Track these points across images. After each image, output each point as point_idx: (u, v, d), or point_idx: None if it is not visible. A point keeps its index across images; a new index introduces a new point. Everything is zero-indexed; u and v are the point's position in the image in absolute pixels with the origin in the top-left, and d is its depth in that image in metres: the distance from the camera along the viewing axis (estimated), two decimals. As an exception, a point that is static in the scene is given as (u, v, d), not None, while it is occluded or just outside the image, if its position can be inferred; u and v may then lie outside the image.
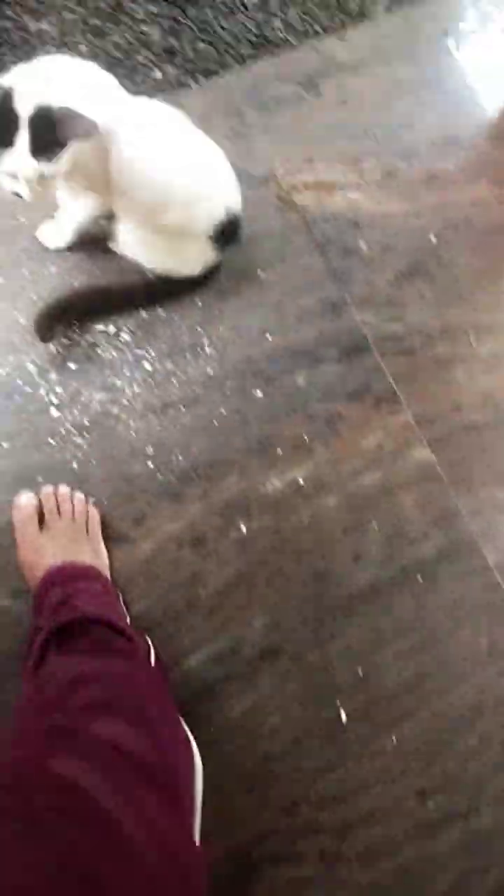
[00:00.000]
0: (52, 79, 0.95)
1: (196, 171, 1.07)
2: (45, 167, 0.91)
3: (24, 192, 0.94)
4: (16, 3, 2.06)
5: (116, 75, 1.97)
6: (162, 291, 1.28)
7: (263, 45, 2.24)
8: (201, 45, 2.12)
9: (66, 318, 1.25)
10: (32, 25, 2.07)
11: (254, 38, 2.16)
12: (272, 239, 1.35)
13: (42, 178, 0.93)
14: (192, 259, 1.22)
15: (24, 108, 0.89)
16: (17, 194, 0.95)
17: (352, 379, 1.32)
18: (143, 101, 1.06)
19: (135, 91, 2.04)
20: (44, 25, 2.09)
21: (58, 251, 1.29)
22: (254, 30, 2.14)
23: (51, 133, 0.89)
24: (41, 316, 1.19)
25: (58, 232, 1.25)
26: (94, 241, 1.27)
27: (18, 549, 1.15)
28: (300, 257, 1.35)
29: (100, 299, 1.27)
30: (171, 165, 1.05)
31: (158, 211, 1.09)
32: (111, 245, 1.28)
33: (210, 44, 2.11)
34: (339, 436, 1.30)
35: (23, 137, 0.90)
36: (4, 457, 1.20)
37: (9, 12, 2.05)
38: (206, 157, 1.09)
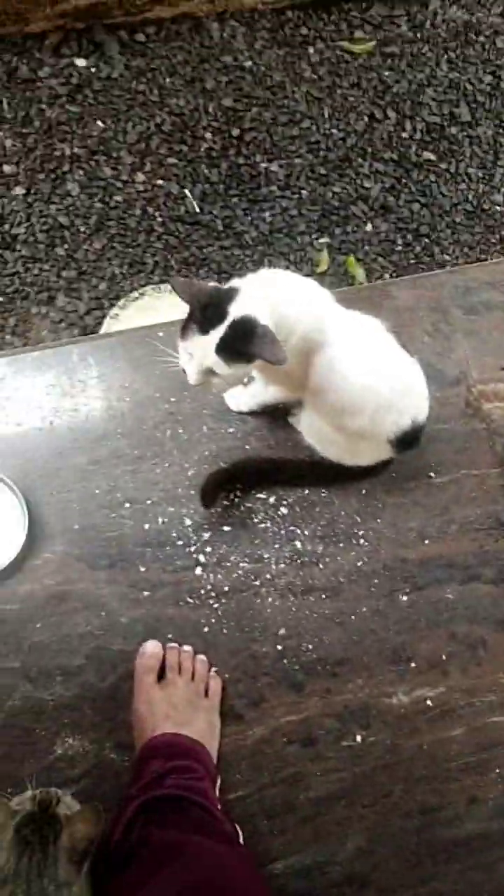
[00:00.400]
0: (276, 286, 1.25)
1: (390, 383, 1.32)
2: (220, 366, 1.17)
3: (192, 377, 1.21)
4: (253, 142, 2.49)
5: (330, 222, 2.33)
6: (329, 474, 1.51)
7: (478, 216, 2.54)
8: (416, 207, 2.46)
9: (231, 483, 1.50)
10: (263, 165, 2.49)
11: (470, 208, 2.47)
12: (452, 443, 1.56)
13: (212, 374, 1.20)
14: (367, 456, 1.46)
15: (236, 310, 1.16)
16: (185, 372, 1.22)
17: (505, 606, 1.48)
18: (351, 314, 1.33)
19: (348, 241, 2.39)
20: (273, 167, 2.51)
21: (240, 414, 1.56)
22: (472, 200, 2.46)
23: (242, 344, 1.14)
24: (208, 482, 1.45)
25: (243, 398, 1.53)
26: (275, 412, 1.53)
27: (134, 697, 1.37)
28: (477, 467, 1.55)
29: (268, 469, 1.52)
30: (368, 375, 1.30)
31: (346, 415, 1.34)
32: (291, 420, 1.54)
33: (426, 206, 2.45)
34: (479, 663, 1.46)
35: (217, 332, 1.16)
36: (142, 605, 1.45)
37: (244, 150, 2.48)
38: (403, 368, 1.34)
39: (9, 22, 2.49)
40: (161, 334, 1.61)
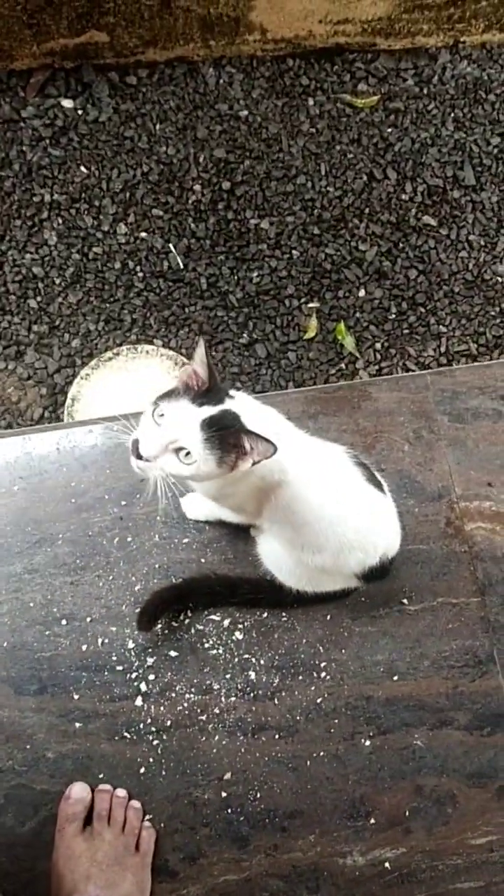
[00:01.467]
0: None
1: (356, 523, 1.17)
2: (194, 445, 1.00)
3: (151, 447, 1.02)
4: (244, 196, 2.36)
5: (321, 285, 2.19)
6: (291, 596, 1.36)
7: (478, 286, 2.41)
8: (414, 274, 2.32)
9: (181, 601, 1.35)
10: (253, 221, 2.36)
11: (470, 278, 2.34)
12: (429, 566, 1.42)
13: (173, 455, 1.04)
14: (331, 586, 1.31)
15: (234, 405, 1.04)
16: (140, 463, 1.04)
17: (478, 757, 1.33)
18: (314, 443, 1.18)
19: (339, 307, 2.25)
20: (264, 224, 2.38)
21: (196, 522, 1.41)
22: (472, 269, 2.32)
23: (231, 430, 1.00)
24: (152, 600, 1.31)
25: (202, 505, 1.38)
26: (236, 524, 1.38)
27: (54, 848, 1.22)
28: (455, 595, 1.40)
29: (223, 587, 1.37)
30: (331, 516, 1.15)
31: (308, 550, 1.19)
32: (253, 533, 1.39)
33: (423, 273, 2.31)
34: (446, 822, 1.31)
35: (210, 410, 1.01)
36: (73, 738, 1.30)
37: (234, 204, 2.34)
38: (371, 505, 1.19)
39: (-7, 58, 2.36)
40: (116, 428, 1.46)
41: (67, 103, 2.44)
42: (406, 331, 2.36)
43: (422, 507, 1.45)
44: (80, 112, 2.43)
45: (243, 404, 1.06)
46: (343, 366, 2.31)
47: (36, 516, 1.40)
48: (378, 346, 2.34)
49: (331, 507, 1.15)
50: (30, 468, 1.42)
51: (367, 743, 1.33)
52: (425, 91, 2.61)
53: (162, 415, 1.01)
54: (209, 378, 1.03)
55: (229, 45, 2.48)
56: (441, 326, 2.37)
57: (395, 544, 1.25)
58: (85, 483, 1.42)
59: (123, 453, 1.36)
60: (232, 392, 1.08)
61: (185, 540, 1.41)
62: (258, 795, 1.30)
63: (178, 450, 1.01)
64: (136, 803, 1.27)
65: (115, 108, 2.45)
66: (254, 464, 1.00)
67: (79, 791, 1.25)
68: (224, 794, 1.29)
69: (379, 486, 1.21)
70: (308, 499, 1.14)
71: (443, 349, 2.36)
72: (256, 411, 1.09)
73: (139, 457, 1.01)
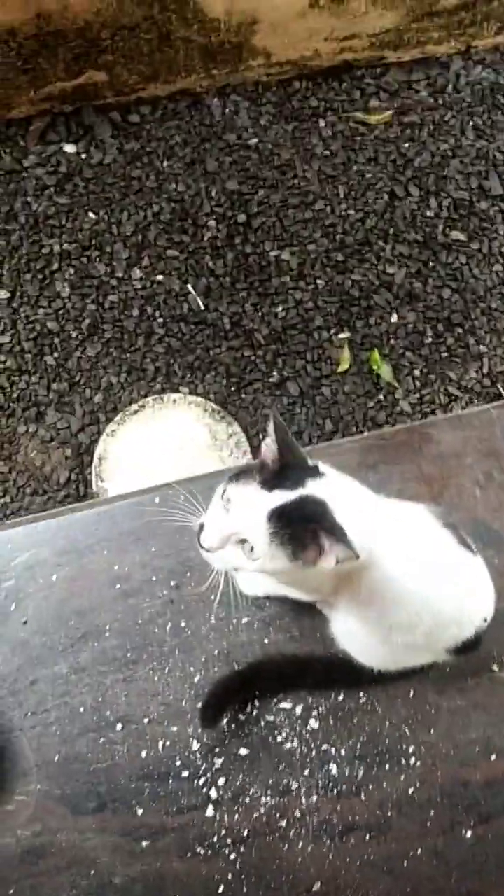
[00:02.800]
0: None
1: (450, 594, 1.03)
2: (259, 539, 0.87)
3: (212, 537, 0.91)
4: (261, 228, 2.24)
5: (350, 314, 2.06)
6: (368, 675, 1.21)
7: (519, 302, 2.27)
8: (447, 293, 2.19)
9: (247, 691, 1.21)
10: (273, 253, 2.24)
11: (509, 294, 2.20)
12: (518, 627, 1.26)
13: (237, 546, 0.91)
14: (417, 663, 1.17)
15: (315, 487, 0.88)
16: (202, 552, 0.92)
17: None
18: (398, 508, 1.04)
19: (371, 335, 2.12)
20: (284, 255, 2.26)
21: (255, 598, 1.27)
22: (511, 284, 2.18)
23: (304, 523, 0.85)
24: (214, 692, 1.17)
25: (262, 583, 1.24)
26: (301, 602, 1.25)
27: None
28: (550, 658, 1.25)
29: (291, 670, 1.23)
30: (423, 591, 1.01)
31: (398, 632, 1.04)
32: (319, 606, 1.25)
33: (457, 292, 2.17)
34: None
35: (283, 496, 0.86)
36: (140, 859, 1.16)
37: (252, 237, 2.22)
38: (464, 571, 1.05)
39: (-11, 109, 2.27)
40: (157, 500, 1.33)
41: (70, 148, 2.34)
42: (445, 354, 2.23)
43: (502, 558, 1.30)
44: (83, 156, 2.33)
45: (332, 486, 0.91)
46: (381, 397, 2.18)
47: (78, 607, 1.26)
48: (416, 372, 2.21)
49: (424, 582, 1.01)
50: (67, 554, 1.29)
51: (469, 834, 1.18)
52: (440, 101, 2.49)
53: (230, 499, 0.87)
54: (280, 455, 0.88)
55: (233, 72, 2.38)
56: (481, 346, 2.24)
57: (492, 609, 1.10)
58: (129, 565, 1.29)
59: (169, 527, 1.23)
60: (322, 468, 0.92)
61: (245, 620, 1.27)
62: (354, 908, 1.14)
63: (242, 541, 0.87)
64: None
65: (119, 149, 2.35)
66: (338, 563, 0.85)
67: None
68: (315, 911, 1.14)
69: (469, 546, 1.07)
70: (397, 576, 1.00)
71: (485, 370, 2.23)
72: (347, 492, 0.93)
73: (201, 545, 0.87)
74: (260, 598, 1.27)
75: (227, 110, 2.44)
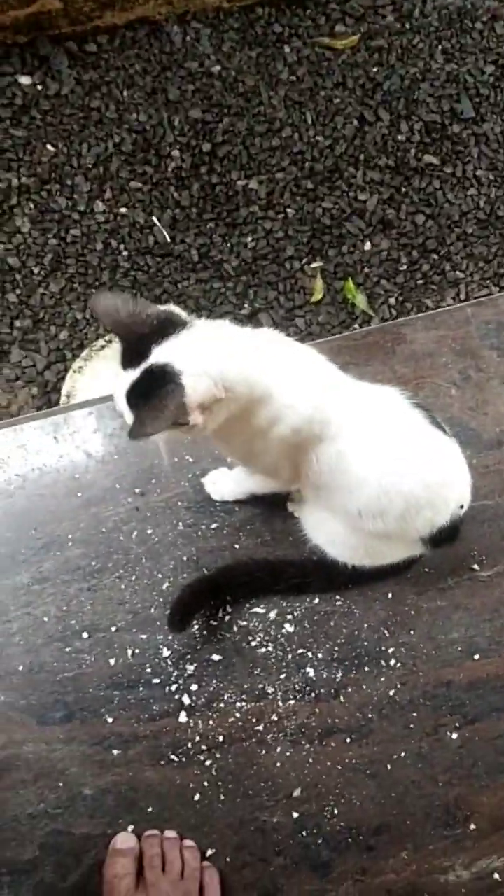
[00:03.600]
0: (255, 351, 0.90)
1: (422, 477, 0.98)
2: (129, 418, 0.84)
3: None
4: (227, 157, 2.17)
5: (322, 243, 1.99)
6: (344, 575, 1.17)
7: (492, 224, 2.22)
8: (421, 219, 2.13)
9: (218, 595, 1.16)
10: (240, 183, 2.17)
11: (483, 216, 2.14)
12: (498, 522, 1.23)
13: None
14: (392, 556, 1.12)
15: (162, 353, 0.83)
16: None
17: None
18: (362, 387, 0.99)
19: (344, 264, 2.06)
20: (252, 184, 2.19)
21: (223, 503, 1.22)
22: (484, 206, 2.13)
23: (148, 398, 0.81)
24: (182, 596, 1.12)
25: (226, 484, 1.19)
26: (270, 500, 1.19)
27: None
28: (533, 552, 1.21)
29: (264, 574, 1.18)
30: (392, 473, 0.96)
31: (365, 518, 1.00)
32: (291, 507, 1.21)
33: (431, 217, 2.11)
34: None
35: (132, 374, 0.84)
36: (112, 769, 1.11)
37: (218, 167, 2.15)
38: (437, 454, 1.00)
39: None
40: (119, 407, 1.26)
41: (25, 80, 2.25)
42: (420, 281, 2.17)
43: (480, 458, 1.25)
44: (39, 88, 2.24)
45: (184, 339, 0.84)
46: (357, 326, 2.12)
47: (39, 517, 1.21)
48: (392, 300, 2.15)
49: (392, 459, 0.96)
50: (26, 463, 1.23)
51: (454, 736, 1.15)
52: (408, 26, 2.42)
53: None
54: (122, 336, 0.85)
55: (192, -2, 2.29)
56: (458, 272, 2.18)
57: (467, 495, 1.05)
58: (91, 473, 1.23)
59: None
60: (189, 321, 0.87)
61: (214, 525, 1.22)
62: (335, 812, 1.11)
63: None
64: (190, 843, 1.08)
65: (76, 80, 2.26)
66: (203, 410, 0.80)
67: (123, 841, 1.06)
68: (296, 815, 1.10)
69: (442, 428, 1.02)
70: (362, 453, 0.94)
71: (462, 296, 2.17)
72: (201, 338, 0.86)
73: None
74: (228, 502, 1.22)
75: (187, 38, 2.36)
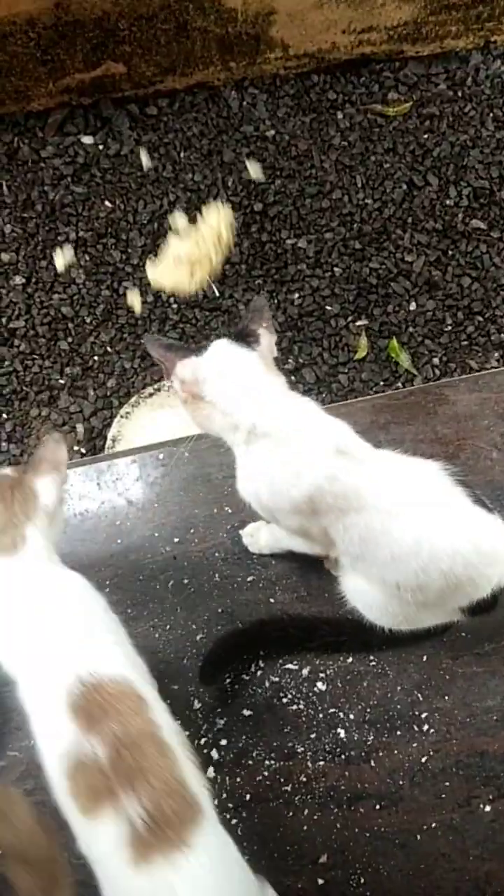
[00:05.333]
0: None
1: (462, 556, 0.97)
2: None
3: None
4: (277, 217, 2.22)
5: (368, 301, 2.02)
6: (379, 636, 1.15)
7: (537, 288, 2.22)
8: (467, 281, 2.15)
9: (251, 649, 1.15)
10: (289, 241, 2.22)
11: (528, 280, 2.15)
12: (537, 590, 1.20)
13: None
14: (431, 622, 1.11)
15: None
16: None
17: None
18: (398, 462, 0.99)
19: (389, 323, 2.08)
20: (301, 243, 2.24)
21: (260, 556, 1.22)
22: (531, 271, 2.14)
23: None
24: (215, 650, 1.11)
25: (263, 536, 1.20)
26: (305, 557, 1.19)
27: None
28: None
29: (298, 630, 1.17)
30: (431, 546, 0.95)
31: (406, 590, 0.99)
32: (328, 566, 1.20)
33: (477, 280, 2.13)
34: None
35: None
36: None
37: (268, 226, 2.21)
38: (477, 532, 0.99)
39: (9, 100, 2.29)
40: (161, 456, 1.29)
41: (87, 139, 2.35)
42: (465, 342, 2.18)
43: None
44: (100, 147, 2.34)
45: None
46: (400, 385, 2.13)
47: (79, 562, 1.22)
48: (436, 360, 2.16)
49: (430, 537, 0.95)
50: (69, 508, 1.25)
51: (488, 808, 1.11)
52: (459, 94, 2.47)
53: None
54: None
55: (250, 65, 2.38)
56: (502, 334, 2.18)
57: None
58: (131, 520, 1.25)
59: (171, 484, 1.19)
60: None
61: (250, 578, 1.22)
62: (362, 881, 1.07)
63: None
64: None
65: (136, 140, 2.36)
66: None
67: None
68: (321, 882, 1.08)
69: (485, 505, 1.01)
70: (396, 531, 0.94)
71: (507, 358, 2.17)
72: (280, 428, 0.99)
73: None
74: (265, 555, 1.22)
75: (244, 103, 2.44)
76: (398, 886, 1.08)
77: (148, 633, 1.19)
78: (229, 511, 1.25)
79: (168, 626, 1.20)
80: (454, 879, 1.08)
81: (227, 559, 1.23)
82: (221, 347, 0.99)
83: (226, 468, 1.28)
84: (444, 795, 1.12)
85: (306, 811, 1.11)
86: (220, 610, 1.21)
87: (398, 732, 1.15)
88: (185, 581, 1.22)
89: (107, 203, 2.28)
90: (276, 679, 1.17)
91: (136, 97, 2.38)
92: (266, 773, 1.13)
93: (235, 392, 0.96)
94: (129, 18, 2.14)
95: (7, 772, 1.12)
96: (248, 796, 1.12)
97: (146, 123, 2.38)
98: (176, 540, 1.24)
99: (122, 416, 2.00)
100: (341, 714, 1.16)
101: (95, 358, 2.12)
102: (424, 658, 1.19)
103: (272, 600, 1.21)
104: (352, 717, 1.16)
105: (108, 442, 1.99)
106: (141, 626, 1.19)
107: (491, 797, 1.12)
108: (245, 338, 1.00)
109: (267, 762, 1.13)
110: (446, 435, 1.31)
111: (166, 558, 1.23)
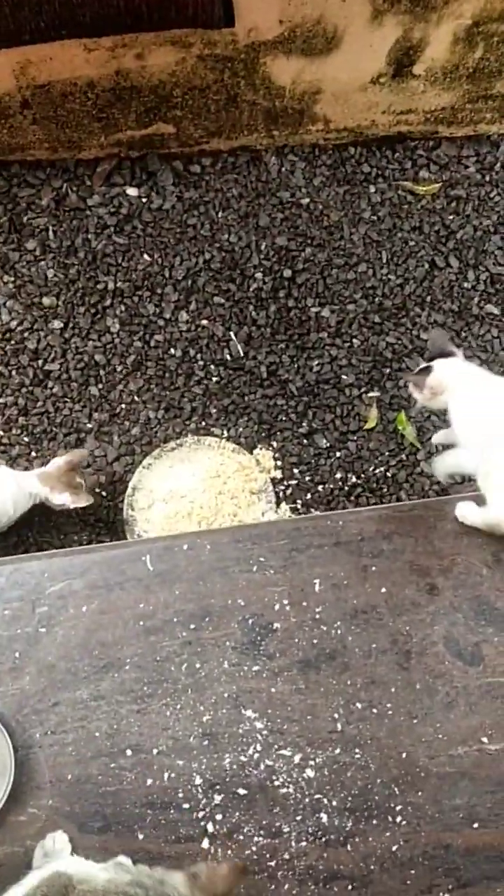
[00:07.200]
0: None
1: None
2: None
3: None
4: (304, 284, 2.34)
5: (381, 374, 2.14)
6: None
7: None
8: (476, 363, 2.26)
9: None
10: (314, 309, 2.34)
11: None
12: (510, 703, 1.34)
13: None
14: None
15: None
16: None
17: None
18: None
19: (400, 397, 2.21)
20: (325, 312, 2.36)
21: (265, 647, 1.35)
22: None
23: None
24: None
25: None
26: (307, 658, 1.32)
27: None
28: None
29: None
30: None
31: None
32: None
33: (486, 363, 2.26)
34: None
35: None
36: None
37: (295, 292, 2.33)
38: None
39: (62, 148, 2.40)
40: (185, 546, 1.42)
41: (132, 191, 2.46)
42: (469, 422, 2.29)
43: (501, 637, 1.37)
44: (144, 200, 2.45)
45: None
46: (404, 457, 2.26)
47: (104, 639, 1.36)
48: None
49: None
50: (98, 588, 1.38)
51: (447, 904, 1.24)
52: (487, 178, 2.59)
53: None
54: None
55: (292, 134, 2.49)
56: None
57: None
58: (153, 604, 1.38)
59: (193, 573, 1.32)
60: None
61: (255, 668, 1.35)
62: None
63: None
64: None
65: (178, 196, 2.47)
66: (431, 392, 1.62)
67: None
68: None
69: None
70: None
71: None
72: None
73: None
74: (269, 648, 1.35)
75: (283, 168, 2.56)
76: None
77: (160, 709, 1.33)
78: (242, 603, 1.39)
79: (179, 706, 1.33)
80: None
81: (235, 648, 1.37)
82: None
83: (242, 563, 1.42)
84: (409, 882, 1.26)
85: (287, 885, 1.25)
86: (226, 695, 1.34)
87: (374, 821, 1.29)
88: (198, 665, 1.36)
89: (146, 256, 2.39)
90: (271, 763, 1.31)
91: (181, 154, 2.49)
92: (254, 848, 1.27)
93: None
94: (183, 87, 2.24)
95: (25, 826, 1.26)
96: (236, 867, 1.25)
97: (189, 180, 2.49)
98: (192, 626, 1.38)
99: (144, 467, 2.12)
100: (325, 800, 1.30)
101: (123, 406, 2.25)
102: (403, 755, 1.33)
103: (273, 689, 1.35)
104: (334, 803, 1.30)
105: (129, 489, 2.12)
106: (155, 703, 1.33)
107: (451, 887, 1.26)
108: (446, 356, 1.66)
109: (255, 838, 1.27)
110: (442, 549, 1.44)
111: (182, 642, 1.37)
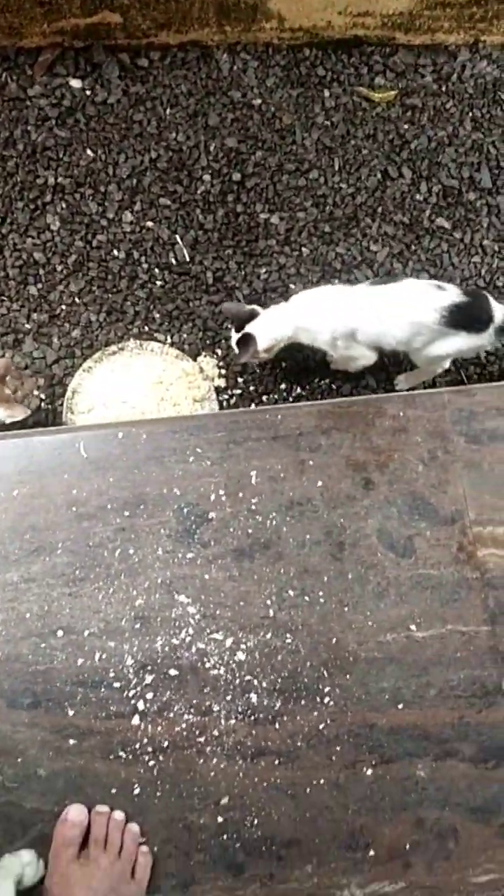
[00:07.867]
0: None
1: None
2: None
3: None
4: (254, 189, 2.29)
5: (328, 282, 2.12)
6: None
7: (490, 293, 2.35)
8: (424, 277, 2.26)
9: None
10: (263, 216, 2.29)
11: (482, 284, 2.29)
12: (439, 591, 1.38)
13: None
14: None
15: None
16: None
17: (482, 791, 1.30)
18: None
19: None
20: (274, 219, 2.31)
21: (200, 535, 1.36)
22: (485, 275, 2.27)
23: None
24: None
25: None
26: (242, 545, 1.33)
27: (48, 872, 1.18)
28: (465, 623, 1.37)
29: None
30: None
31: None
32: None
33: (434, 277, 2.25)
34: (447, 857, 1.28)
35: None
36: (66, 755, 1.25)
37: (244, 197, 2.27)
38: None
39: (1, 35, 2.26)
40: (121, 435, 1.41)
41: (76, 83, 2.35)
42: (414, 335, 2.30)
43: (433, 531, 1.40)
44: (88, 93, 2.35)
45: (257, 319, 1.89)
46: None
47: (35, 523, 1.34)
48: (385, 349, 2.28)
49: None
50: (31, 472, 1.36)
51: (369, 772, 1.30)
52: (443, 89, 2.54)
53: None
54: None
55: (245, 31, 2.40)
56: (450, 333, 2.31)
57: None
58: (87, 491, 1.37)
59: (128, 462, 1.31)
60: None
61: (190, 555, 1.36)
62: (255, 822, 1.26)
63: None
64: (133, 826, 1.23)
65: (124, 91, 2.37)
66: (266, 351, 1.85)
67: (76, 814, 1.21)
68: (220, 820, 1.26)
69: None
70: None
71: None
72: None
73: None
74: (205, 536, 1.35)
75: (234, 67, 2.46)
76: (285, 829, 1.27)
77: (92, 593, 1.33)
78: (177, 493, 1.38)
79: (111, 590, 1.33)
80: (333, 828, 1.27)
81: (170, 536, 1.37)
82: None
83: (178, 453, 1.41)
84: (334, 758, 1.31)
85: (215, 760, 1.29)
86: (159, 580, 1.35)
87: (302, 702, 1.32)
88: (131, 551, 1.35)
89: (88, 152, 2.30)
90: (203, 646, 1.33)
91: (128, 46, 2.39)
92: (184, 725, 1.29)
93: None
94: (130, -29, 2.13)
95: None
96: (165, 743, 1.28)
97: (135, 74, 2.39)
98: (126, 513, 1.37)
99: (84, 370, 2.08)
100: (255, 681, 1.32)
101: (63, 307, 2.19)
102: (333, 641, 1.36)
103: (207, 576, 1.36)
104: (264, 684, 1.32)
105: (69, 392, 2.08)
106: (87, 587, 1.33)
107: (374, 763, 1.31)
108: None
109: (186, 716, 1.30)
110: (380, 445, 1.45)
111: (116, 529, 1.36)
